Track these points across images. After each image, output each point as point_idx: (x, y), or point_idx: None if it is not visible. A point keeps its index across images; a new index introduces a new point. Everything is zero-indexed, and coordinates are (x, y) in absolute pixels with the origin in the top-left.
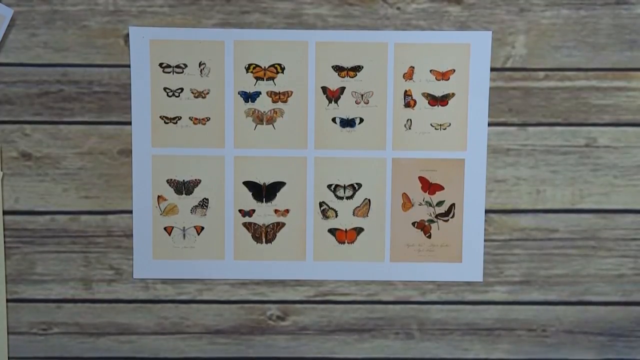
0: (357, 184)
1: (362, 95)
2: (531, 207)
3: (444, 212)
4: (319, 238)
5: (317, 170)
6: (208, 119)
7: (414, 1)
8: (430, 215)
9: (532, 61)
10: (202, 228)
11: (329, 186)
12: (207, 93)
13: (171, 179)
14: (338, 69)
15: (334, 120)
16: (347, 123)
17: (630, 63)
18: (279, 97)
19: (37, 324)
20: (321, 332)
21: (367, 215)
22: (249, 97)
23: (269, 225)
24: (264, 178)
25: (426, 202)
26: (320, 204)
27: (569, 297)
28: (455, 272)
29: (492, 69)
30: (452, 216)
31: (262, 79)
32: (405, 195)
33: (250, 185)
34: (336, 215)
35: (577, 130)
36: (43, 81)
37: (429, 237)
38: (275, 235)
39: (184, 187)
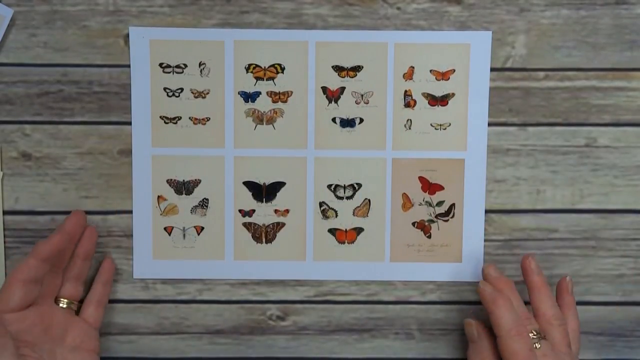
0: (357, 184)
1: (362, 95)
2: (531, 207)
3: (444, 212)
4: (319, 238)
5: (317, 170)
6: (208, 119)
7: (414, 1)
8: (430, 215)
9: (532, 61)
10: (202, 228)
11: (329, 186)
12: (207, 93)
13: (171, 179)
14: (338, 69)
15: (334, 120)
16: (347, 123)
17: (630, 63)
18: (279, 97)
19: None
20: (321, 332)
21: (367, 215)
22: (249, 97)
23: (269, 225)
24: (264, 178)
25: (426, 202)
26: (320, 204)
27: None
28: (455, 272)
29: (492, 69)
30: (452, 216)
31: (262, 79)
32: (405, 195)
33: (250, 185)
34: (336, 215)
35: (577, 130)
36: (43, 81)
37: (429, 237)
38: (275, 235)
39: (184, 187)
